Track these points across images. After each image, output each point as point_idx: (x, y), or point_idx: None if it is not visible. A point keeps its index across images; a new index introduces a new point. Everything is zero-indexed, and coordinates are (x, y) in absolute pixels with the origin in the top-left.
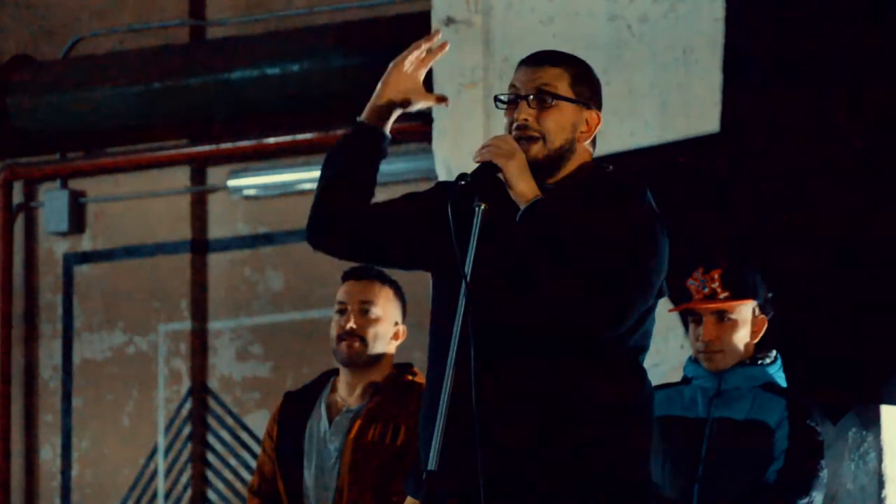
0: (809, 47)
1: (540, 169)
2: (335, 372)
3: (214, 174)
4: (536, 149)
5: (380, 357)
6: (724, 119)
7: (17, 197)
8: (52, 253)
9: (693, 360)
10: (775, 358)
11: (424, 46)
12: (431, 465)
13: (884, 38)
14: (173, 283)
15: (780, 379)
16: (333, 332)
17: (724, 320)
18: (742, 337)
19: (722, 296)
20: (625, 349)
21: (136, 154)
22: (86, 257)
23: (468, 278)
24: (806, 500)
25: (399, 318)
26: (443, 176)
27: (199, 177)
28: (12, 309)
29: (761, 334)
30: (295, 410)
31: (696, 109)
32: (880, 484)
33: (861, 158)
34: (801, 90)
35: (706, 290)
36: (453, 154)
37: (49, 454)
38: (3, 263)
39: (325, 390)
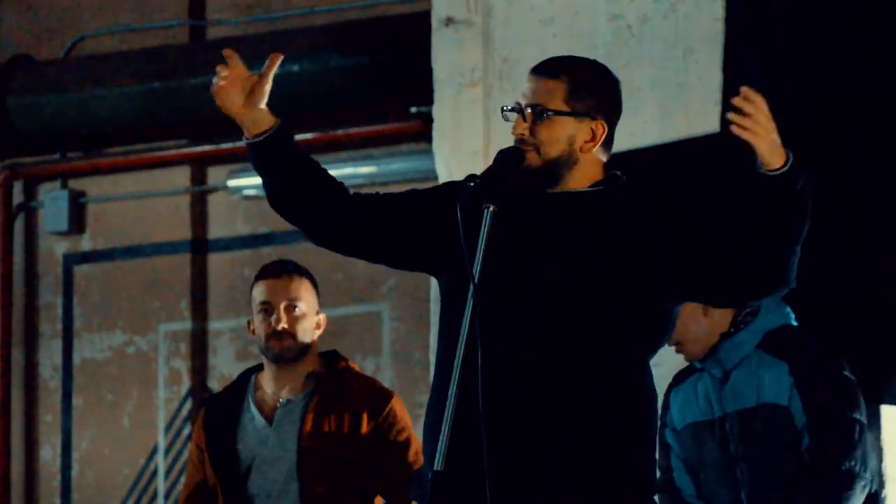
0: (810, 47)
1: (537, 176)
2: (256, 369)
3: (214, 174)
4: (531, 157)
5: (307, 348)
6: (724, 119)
7: (17, 197)
8: (52, 253)
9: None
10: (758, 308)
11: (224, 72)
12: (438, 465)
13: (885, 37)
14: (173, 283)
15: (776, 320)
16: (261, 331)
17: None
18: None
19: None
20: (645, 348)
21: (136, 154)
22: (86, 257)
23: (476, 280)
24: (850, 463)
25: (318, 308)
26: (443, 176)
27: (199, 177)
28: (12, 309)
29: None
30: (221, 415)
31: (696, 109)
32: (880, 484)
33: (862, 158)
34: (801, 90)
35: None
36: (453, 154)
37: (49, 454)
38: (3, 263)
39: (249, 389)
